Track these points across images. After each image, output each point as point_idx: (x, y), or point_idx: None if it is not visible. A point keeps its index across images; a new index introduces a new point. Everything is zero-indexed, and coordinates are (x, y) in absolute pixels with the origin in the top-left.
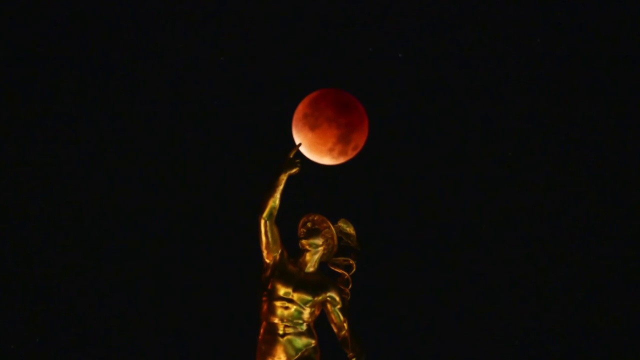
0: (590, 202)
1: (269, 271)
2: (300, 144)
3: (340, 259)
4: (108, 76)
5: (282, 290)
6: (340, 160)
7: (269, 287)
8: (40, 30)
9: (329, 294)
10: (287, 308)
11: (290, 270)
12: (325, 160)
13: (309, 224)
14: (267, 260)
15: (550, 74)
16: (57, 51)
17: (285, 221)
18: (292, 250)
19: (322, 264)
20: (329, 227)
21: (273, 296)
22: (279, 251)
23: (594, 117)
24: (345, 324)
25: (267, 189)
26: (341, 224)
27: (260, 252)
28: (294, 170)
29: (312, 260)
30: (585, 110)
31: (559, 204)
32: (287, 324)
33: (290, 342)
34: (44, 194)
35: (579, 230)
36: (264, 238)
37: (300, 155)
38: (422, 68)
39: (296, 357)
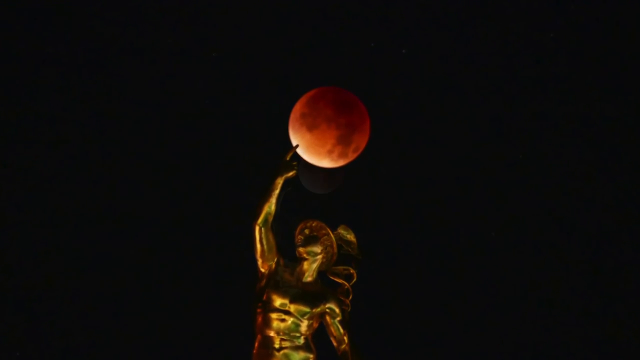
0: (607, 207)
1: (264, 281)
2: (297, 146)
3: (340, 268)
4: (93, 73)
5: (278, 302)
6: (340, 162)
7: (264, 298)
8: (22, 24)
9: (328, 305)
10: (283, 320)
11: (286, 280)
12: (325, 162)
13: (306, 231)
14: (262, 270)
15: (564, 71)
16: (38, 46)
17: (281, 227)
18: (289, 259)
19: (321, 273)
20: (328, 234)
21: (268, 308)
22: (275, 260)
23: (611, 117)
24: (345, 337)
25: (262, 194)
26: (341, 230)
27: (255, 260)
28: (290, 174)
29: (310, 269)
30: (602, 109)
31: (573, 209)
32: (283, 337)
33: (287, 356)
34: (24, 199)
35: (594, 237)
36: (258, 245)
37: (297, 157)
38: (428, 65)
39: None
